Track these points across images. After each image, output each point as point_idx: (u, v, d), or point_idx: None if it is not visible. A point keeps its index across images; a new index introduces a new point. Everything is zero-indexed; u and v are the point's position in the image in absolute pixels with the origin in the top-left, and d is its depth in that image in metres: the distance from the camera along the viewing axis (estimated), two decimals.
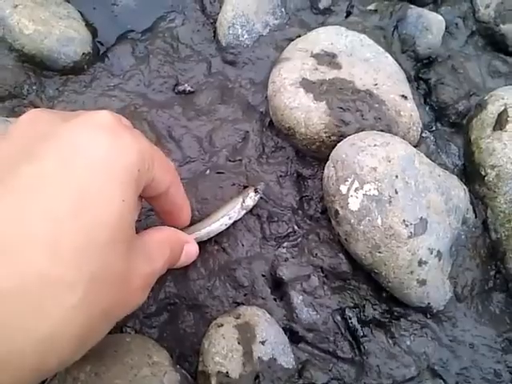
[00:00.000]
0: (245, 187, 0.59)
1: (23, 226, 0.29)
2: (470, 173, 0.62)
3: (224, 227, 0.54)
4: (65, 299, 0.29)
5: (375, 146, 0.52)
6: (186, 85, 0.67)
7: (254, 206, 0.57)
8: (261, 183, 0.58)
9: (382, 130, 0.57)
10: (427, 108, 0.69)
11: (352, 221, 0.51)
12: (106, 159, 0.33)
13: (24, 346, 0.28)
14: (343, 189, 0.52)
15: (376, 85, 0.60)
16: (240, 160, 0.62)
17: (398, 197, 0.50)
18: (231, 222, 0.55)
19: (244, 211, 0.56)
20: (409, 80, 0.66)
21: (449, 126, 0.68)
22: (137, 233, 0.40)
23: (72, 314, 0.30)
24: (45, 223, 0.30)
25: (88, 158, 0.33)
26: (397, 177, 0.51)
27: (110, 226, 0.32)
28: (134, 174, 0.35)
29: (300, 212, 0.59)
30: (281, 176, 0.61)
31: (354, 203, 0.51)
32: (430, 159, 0.57)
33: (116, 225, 0.33)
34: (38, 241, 0.29)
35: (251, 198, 0.55)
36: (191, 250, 0.49)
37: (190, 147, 0.63)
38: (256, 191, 0.56)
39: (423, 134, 0.65)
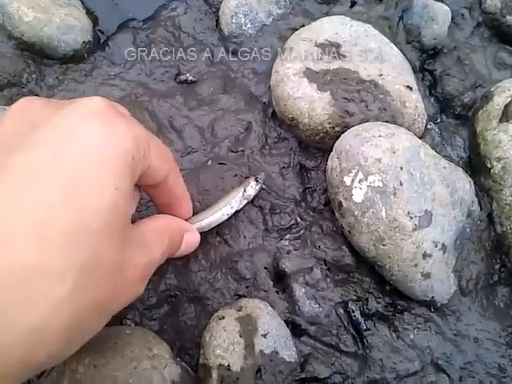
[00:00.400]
0: (246, 177, 0.58)
1: (14, 216, 0.29)
2: (476, 165, 0.62)
3: (226, 217, 0.54)
4: (53, 289, 0.29)
5: (380, 136, 0.51)
6: (188, 74, 0.66)
7: (256, 198, 0.57)
8: (261, 173, 0.57)
9: (386, 121, 0.56)
10: (432, 99, 0.68)
11: (356, 213, 0.50)
12: (99, 146, 0.33)
13: (9, 337, 0.27)
14: (347, 180, 0.51)
15: (381, 75, 0.59)
16: (242, 151, 0.61)
17: (402, 189, 0.49)
18: (233, 211, 0.54)
19: (245, 201, 0.55)
20: (414, 71, 0.66)
21: (454, 118, 0.67)
22: (135, 223, 0.39)
23: (60, 305, 0.29)
24: (35, 211, 0.29)
25: (80, 146, 0.32)
26: (402, 168, 0.50)
27: (102, 213, 0.31)
28: (128, 161, 0.34)
29: (303, 204, 0.58)
30: (283, 167, 0.60)
31: (358, 195, 0.50)
32: (435, 151, 0.57)
33: (109, 212, 0.32)
34: (27, 230, 0.28)
35: (252, 188, 0.55)
36: (192, 239, 0.48)
37: (192, 138, 0.62)
38: (257, 180, 0.55)
39: (428, 126, 0.64)
